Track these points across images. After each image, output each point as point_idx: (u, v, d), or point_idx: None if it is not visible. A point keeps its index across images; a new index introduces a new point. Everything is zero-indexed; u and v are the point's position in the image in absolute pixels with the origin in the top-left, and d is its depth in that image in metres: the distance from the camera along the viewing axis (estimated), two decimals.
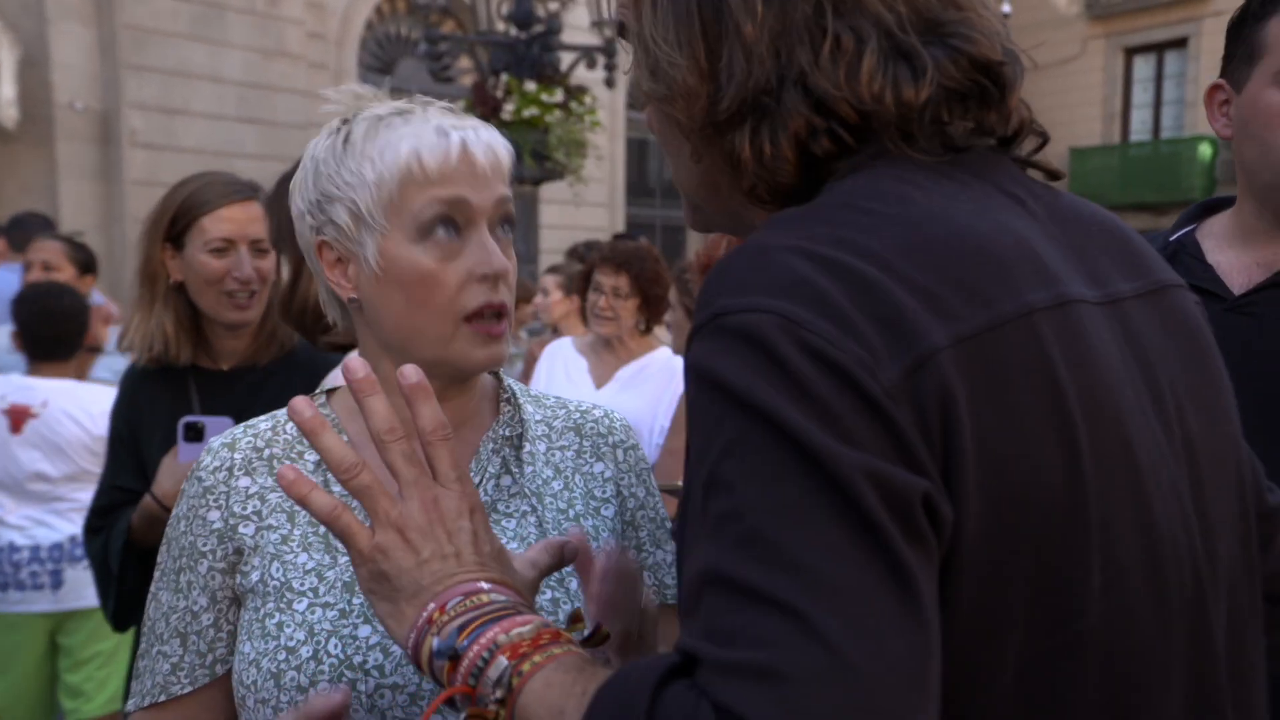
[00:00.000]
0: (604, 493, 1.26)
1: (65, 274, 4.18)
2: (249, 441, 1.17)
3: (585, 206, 13.41)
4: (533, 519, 1.17)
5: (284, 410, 1.19)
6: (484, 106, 8.87)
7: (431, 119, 1.13)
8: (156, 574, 1.18)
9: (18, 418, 3.21)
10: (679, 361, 3.40)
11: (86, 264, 4.37)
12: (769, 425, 0.66)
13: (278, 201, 1.95)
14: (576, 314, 4.49)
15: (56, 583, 3.22)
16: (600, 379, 3.49)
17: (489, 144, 1.15)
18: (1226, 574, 0.85)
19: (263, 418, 1.21)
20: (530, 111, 8.89)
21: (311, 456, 1.16)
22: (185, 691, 1.13)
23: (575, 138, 9.24)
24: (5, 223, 5.74)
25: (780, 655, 0.60)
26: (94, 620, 3.27)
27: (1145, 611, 0.77)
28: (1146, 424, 0.79)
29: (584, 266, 3.71)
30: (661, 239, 16.63)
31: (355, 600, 1.08)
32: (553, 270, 5.50)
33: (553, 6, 9.18)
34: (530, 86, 8.96)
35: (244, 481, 1.15)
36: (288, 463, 1.16)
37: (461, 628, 0.79)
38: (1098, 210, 0.91)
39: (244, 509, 1.13)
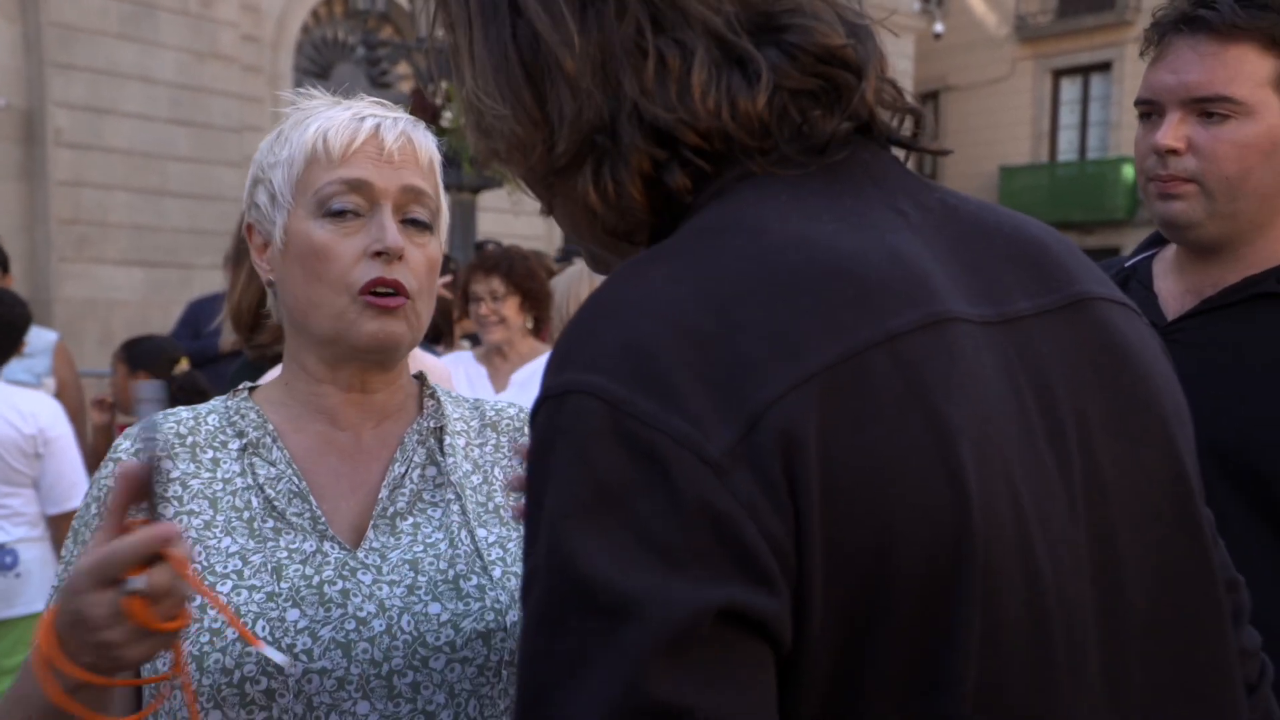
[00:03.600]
0: None
1: None
2: (171, 428, 1.17)
3: (523, 215, 13.37)
4: (456, 507, 1.18)
5: (205, 404, 1.22)
6: (423, 113, 8.79)
7: (356, 108, 1.16)
8: (60, 568, 1.16)
9: None
10: None
11: (1, 263, 4.26)
12: (563, 557, 0.60)
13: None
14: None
15: None
16: (499, 385, 3.60)
17: (406, 134, 1.15)
18: (1152, 628, 0.74)
19: (183, 408, 1.21)
20: None
21: (235, 445, 1.16)
22: None
23: None
24: None
25: None
26: (18, 630, 3.18)
27: (1024, 675, 0.67)
28: (1034, 457, 0.70)
29: (460, 286, 3.74)
30: None
31: (283, 584, 1.07)
32: None
33: None
34: None
35: (165, 465, 1.13)
36: (210, 452, 1.16)
37: None
38: (1010, 218, 0.81)
39: (165, 492, 1.12)
